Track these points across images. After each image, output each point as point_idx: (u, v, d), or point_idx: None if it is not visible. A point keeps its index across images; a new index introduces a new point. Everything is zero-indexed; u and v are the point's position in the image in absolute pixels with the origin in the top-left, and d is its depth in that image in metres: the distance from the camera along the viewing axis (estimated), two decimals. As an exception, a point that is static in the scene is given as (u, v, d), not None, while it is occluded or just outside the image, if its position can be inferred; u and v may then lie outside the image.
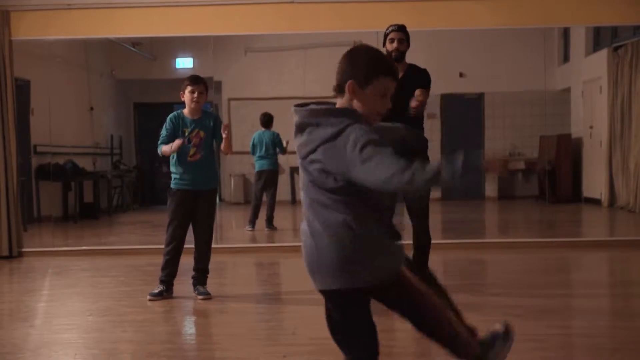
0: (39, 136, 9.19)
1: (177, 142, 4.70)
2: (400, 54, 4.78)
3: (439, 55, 11.55)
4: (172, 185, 4.88)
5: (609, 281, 5.81)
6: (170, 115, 4.88)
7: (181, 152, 4.81)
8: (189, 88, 4.81)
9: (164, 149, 4.79)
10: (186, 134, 4.81)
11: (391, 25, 4.85)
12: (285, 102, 13.81)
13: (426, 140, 4.99)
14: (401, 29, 4.81)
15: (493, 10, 6.95)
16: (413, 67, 4.89)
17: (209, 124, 4.87)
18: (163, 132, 4.85)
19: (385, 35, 4.85)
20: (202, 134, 4.83)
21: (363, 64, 2.24)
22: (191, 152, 4.82)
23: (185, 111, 4.88)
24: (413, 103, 4.60)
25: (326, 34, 9.59)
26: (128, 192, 11.92)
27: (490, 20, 7.06)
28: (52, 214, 9.51)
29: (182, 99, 4.87)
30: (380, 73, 2.24)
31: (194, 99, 4.80)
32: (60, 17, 7.04)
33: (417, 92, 4.65)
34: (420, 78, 4.84)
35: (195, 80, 4.83)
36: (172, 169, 4.88)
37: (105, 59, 12.06)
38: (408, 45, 4.84)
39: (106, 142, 11.88)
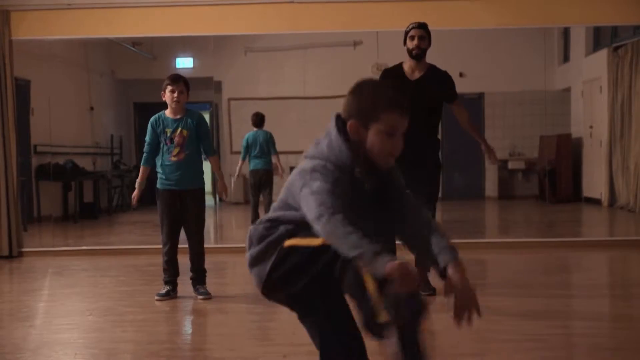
0: (39, 136, 9.18)
1: (135, 195, 4.89)
2: (421, 51, 4.74)
3: (439, 55, 11.54)
4: (158, 186, 4.87)
5: (609, 281, 5.81)
6: (151, 119, 4.86)
7: (165, 151, 4.81)
8: (168, 88, 4.78)
9: (140, 172, 4.91)
10: (168, 135, 4.80)
11: (412, 23, 4.80)
12: (285, 102, 13.95)
13: (438, 142, 4.98)
14: (422, 26, 4.77)
15: (493, 10, 6.95)
16: (434, 69, 4.84)
17: (192, 122, 4.84)
18: (147, 139, 4.87)
19: (406, 33, 4.80)
20: (185, 132, 4.80)
21: (366, 99, 2.10)
22: (175, 152, 4.80)
23: (167, 111, 4.86)
24: (493, 160, 5.02)
25: (326, 34, 9.59)
26: (128, 192, 11.91)
27: (490, 20, 7.06)
28: (52, 214, 9.50)
29: (164, 99, 4.85)
30: (383, 108, 2.06)
31: (175, 99, 4.77)
32: (60, 17, 7.04)
33: (490, 154, 5.09)
34: (442, 83, 4.80)
35: (174, 79, 4.79)
36: (158, 169, 4.87)
37: (105, 59, 12.05)
38: (429, 43, 4.79)
39: (106, 142, 11.87)
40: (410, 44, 4.74)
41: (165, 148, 4.81)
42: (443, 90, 4.81)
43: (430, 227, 2.12)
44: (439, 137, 5.09)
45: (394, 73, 4.81)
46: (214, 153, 5.04)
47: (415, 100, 4.75)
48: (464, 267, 2.02)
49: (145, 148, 4.88)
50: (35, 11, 7.06)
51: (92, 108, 11.46)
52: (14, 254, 7.01)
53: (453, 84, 4.86)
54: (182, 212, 4.84)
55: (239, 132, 12.00)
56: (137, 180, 4.91)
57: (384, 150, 2.08)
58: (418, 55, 4.73)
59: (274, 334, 4.01)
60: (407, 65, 4.80)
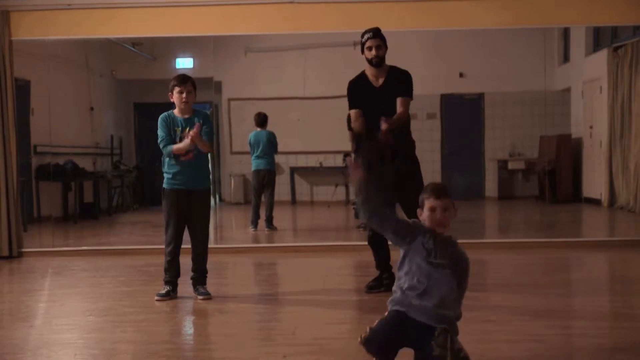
0: (39, 136, 9.19)
1: (187, 141, 4.68)
2: (380, 59, 4.87)
3: (439, 55, 11.57)
4: (164, 186, 4.86)
5: (609, 281, 5.81)
6: (162, 116, 4.85)
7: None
8: (176, 89, 4.77)
9: (175, 147, 4.74)
10: (178, 133, 4.80)
11: (366, 33, 4.91)
12: (285, 102, 13.96)
13: (413, 142, 5.02)
14: (377, 34, 4.88)
15: (493, 10, 6.95)
16: (394, 70, 4.97)
17: (199, 121, 4.83)
18: (161, 133, 4.81)
19: (362, 44, 4.91)
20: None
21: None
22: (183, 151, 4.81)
23: (176, 111, 4.86)
24: (383, 125, 4.64)
25: (326, 34, 9.60)
26: (128, 192, 11.92)
27: (490, 20, 7.06)
28: (52, 214, 9.50)
29: (171, 100, 4.85)
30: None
31: (183, 99, 4.76)
32: (60, 17, 7.04)
33: (382, 121, 4.66)
34: (401, 83, 4.90)
35: (182, 80, 4.79)
36: (165, 168, 4.86)
37: (105, 59, 12.06)
38: (386, 48, 4.91)
39: (106, 142, 11.87)
40: (369, 54, 4.87)
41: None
42: (404, 88, 4.91)
43: None
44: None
45: (359, 83, 4.96)
46: (211, 142, 4.99)
47: (384, 105, 4.90)
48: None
49: (165, 141, 4.77)
50: (35, 11, 7.06)
51: (92, 108, 11.46)
52: (14, 254, 7.00)
53: (410, 83, 4.95)
54: (188, 212, 4.84)
55: (239, 132, 12.01)
56: (182, 145, 4.72)
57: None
58: (378, 63, 4.87)
59: (274, 334, 4.02)
60: (370, 72, 4.95)
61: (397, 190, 4.75)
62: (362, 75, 4.97)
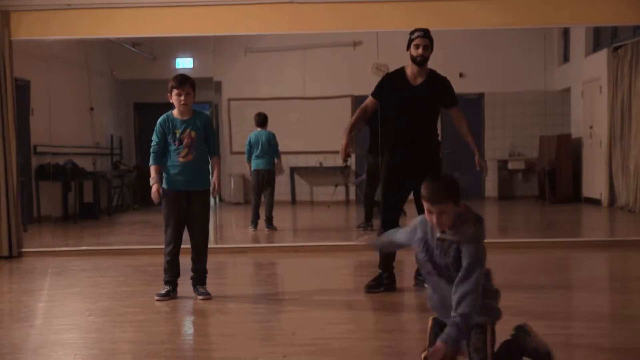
0: (39, 136, 9.19)
1: (154, 190, 4.76)
2: (424, 59, 4.90)
3: (439, 55, 11.55)
4: (164, 186, 4.85)
5: (609, 281, 5.81)
6: (160, 119, 4.84)
7: (173, 152, 4.81)
8: (175, 91, 4.74)
9: (152, 170, 4.81)
10: (177, 135, 4.80)
11: (416, 31, 4.93)
12: (285, 102, 13.89)
13: (438, 143, 5.09)
14: (427, 34, 4.92)
15: (493, 10, 6.95)
16: (434, 75, 5.01)
17: (200, 124, 4.84)
18: (154, 138, 4.83)
19: (410, 40, 4.92)
20: (193, 134, 4.80)
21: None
22: (183, 153, 4.79)
23: (175, 112, 4.85)
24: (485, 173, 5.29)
25: (326, 34, 9.60)
26: (128, 192, 11.92)
27: (490, 20, 7.06)
28: (52, 214, 9.51)
29: (170, 101, 4.84)
30: None
31: (182, 102, 4.74)
32: (60, 17, 7.04)
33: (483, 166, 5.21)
34: (444, 91, 4.98)
35: (180, 82, 4.75)
36: (165, 169, 4.86)
37: (105, 59, 12.06)
38: (432, 50, 4.94)
39: (106, 142, 11.87)
40: (415, 52, 4.88)
41: (173, 149, 4.80)
42: (443, 97, 5.02)
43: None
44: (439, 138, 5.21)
45: (396, 77, 4.99)
46: (217, 154, 5.03)
47: (417, 105, 4.94)
48: (443, 349, 2.77)
49: (154, 148, 4.83)
50: (35, 11, 7.06)
51: (92, 108, 11.46)
52: (14, 254, 7.00)
53: (453, 91, 5.05)
54: (188, 212, 4.84)
55: (239, 132, 12.01)
56: (152, 176, 4.82)
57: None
58: (421, 62, 4.90)
59: (274, 334, 4.02)
60: (410, 70, 4.96)
61: (415, 181, 4.79)
62: (402, 70, 4.99)
